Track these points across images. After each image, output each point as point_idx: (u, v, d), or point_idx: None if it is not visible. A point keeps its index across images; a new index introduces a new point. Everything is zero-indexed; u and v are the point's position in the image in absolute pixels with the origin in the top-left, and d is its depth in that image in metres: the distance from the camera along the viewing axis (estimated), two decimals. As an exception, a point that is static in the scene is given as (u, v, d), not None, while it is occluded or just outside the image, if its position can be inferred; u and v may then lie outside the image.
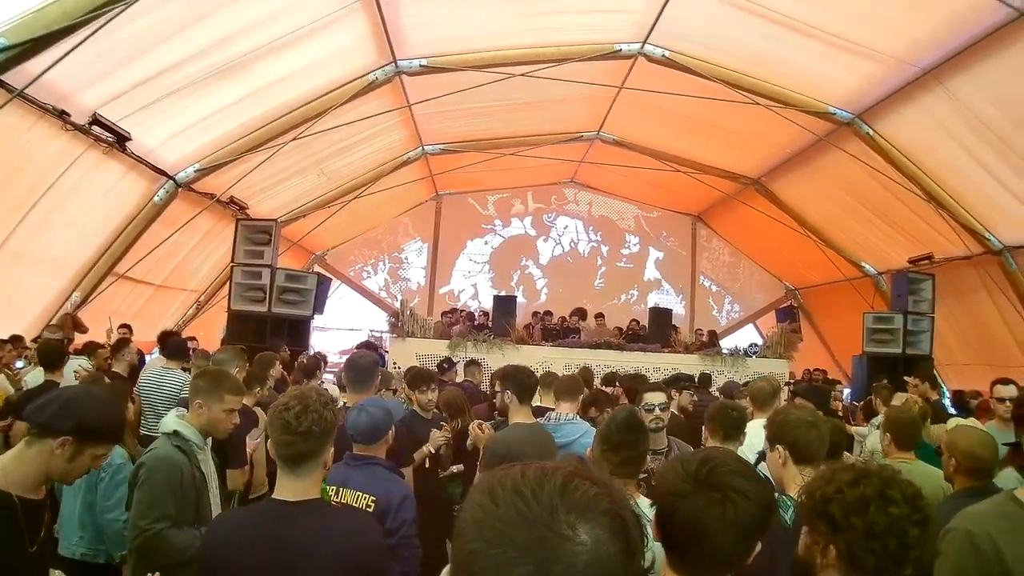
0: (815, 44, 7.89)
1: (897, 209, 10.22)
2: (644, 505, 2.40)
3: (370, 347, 8.76)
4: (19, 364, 6.89)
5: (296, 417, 2.13)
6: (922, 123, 8.62)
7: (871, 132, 9.23)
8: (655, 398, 3.99)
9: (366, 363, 4.26)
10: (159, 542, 2.70)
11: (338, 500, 2.90)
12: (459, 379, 8.29)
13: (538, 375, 4.49)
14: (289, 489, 2.15)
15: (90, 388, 3.11)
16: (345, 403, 4.25)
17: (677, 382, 6.82)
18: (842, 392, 9.67)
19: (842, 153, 9.72)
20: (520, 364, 4.26)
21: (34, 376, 6.01)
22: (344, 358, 9.20)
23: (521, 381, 3.94)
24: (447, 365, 8.33)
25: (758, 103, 9.16)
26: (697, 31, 8.62)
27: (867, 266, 12.44)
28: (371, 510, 2.88)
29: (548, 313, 14.26)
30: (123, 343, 7.04)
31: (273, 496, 2.19)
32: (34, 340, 6.93)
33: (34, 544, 2.07)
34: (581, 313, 13.94)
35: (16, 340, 6.95)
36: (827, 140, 9.89)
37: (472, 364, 8.39)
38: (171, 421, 3.05)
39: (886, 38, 7.56)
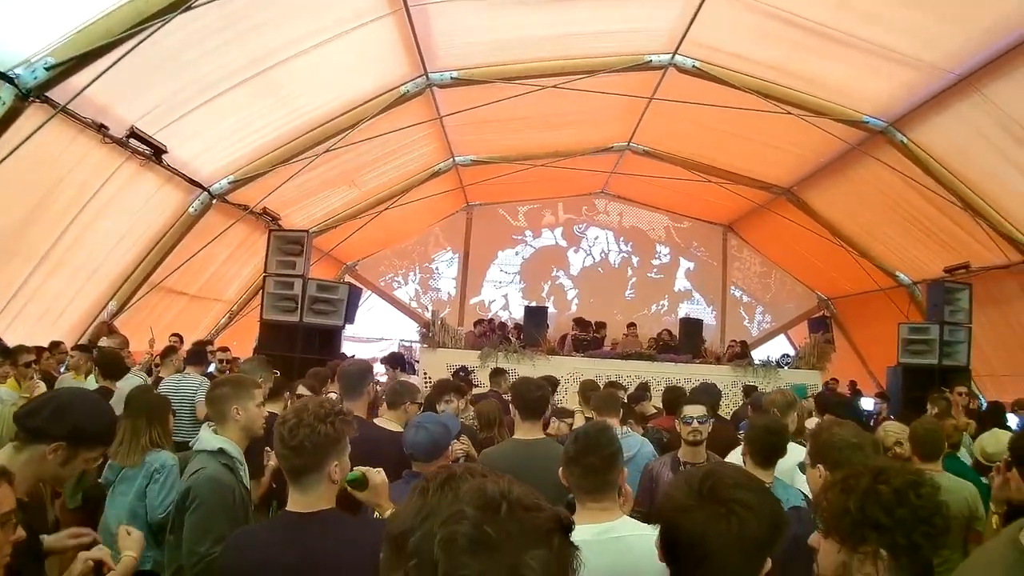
0: (847, 52, 7.82)
1: (932, 217, 10.08)
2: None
3: (396, 359, 8.80)
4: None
5: (290, 431, 2.12)
6: (958, 130, 8.49)
7: (905, 140, 9.11)
8: (693, 411, 3.98)
9: (355, 370, 4.22)
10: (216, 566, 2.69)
11: None
12: (480, 389, 8.27)
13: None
14: (298, 502, 2.16)
15: (82, 391, 3.09)
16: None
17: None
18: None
19: (876, 162, 9.61)
20: (529, 377, 4.19)
21: (65, 383, 6.17)
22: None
23: (523, 395, 3.82)
24: (463, 373, 8.33)
25: (790, 112, 9.10)
26: (728, 41, 8.60)
27: (902, 276, 12.25)
28: None
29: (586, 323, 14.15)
30: (171, 350, 7.26)
31: (286, 509, 2.19)
32: (75, 347, 7.10)
33: (34, 545, 2.06)
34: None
35: (55, 346, 7.15)
36: (860, 149, 9.78)
37: (497, 373, 8.33)
38: (212, 439, 2.98)
39: (921, 45, 7.47)
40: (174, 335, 8.83)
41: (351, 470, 2.40)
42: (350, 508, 2.45)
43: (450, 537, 0.90)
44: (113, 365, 6.02)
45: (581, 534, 2.24)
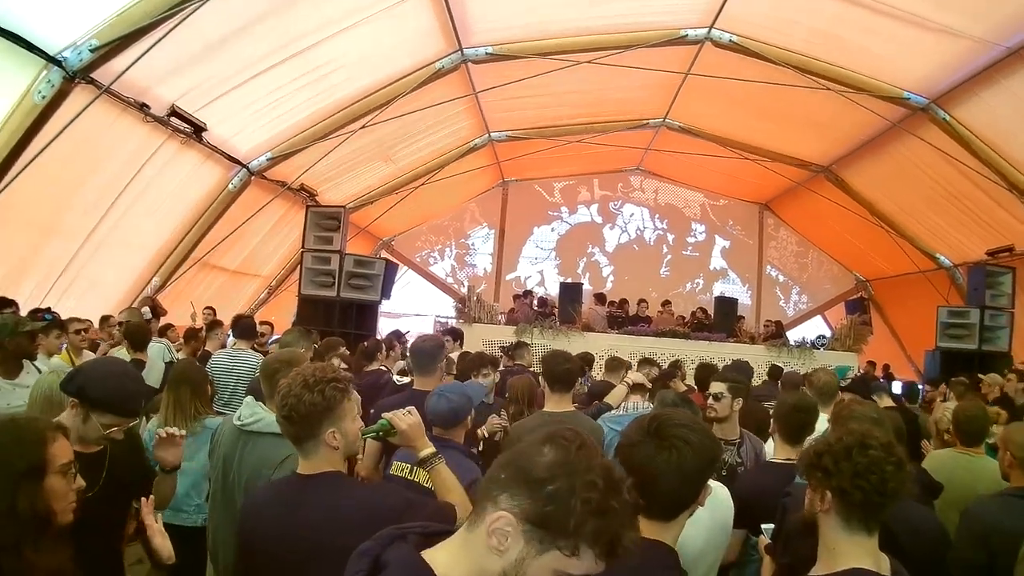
0: (888, 24, 7.64)
1: (975, 198, 9.85)
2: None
3: (455, 333, 8.84)
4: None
5: (281, 400, 2.17)
6: (1004, 108, 8.26)
7: (948, 118, 8.89)
8: (712, 387, 4.00)
9: (429, 347, 4.18)
10: None
11: (412, 478, 2.92)
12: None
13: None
14: (303, 465, 2.22)
15: (110, 360, 3.18)
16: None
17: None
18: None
19: (917, 140, 9.41)
20: (559, 350, 4.22)
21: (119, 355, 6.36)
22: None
23: (552, 368, 3.87)
24: (510, 350, 8.39)
25: (829, 88, 8.94)
26: (765, 14, 8.48)
27: (942, 258, 12.01)
28: None
29: (624, 301, 14.23)
30: (216, 324, 7.43)
31: (296, 471, 2.26)
32: (120, 323, 7.31)
33: (91, 491, 2.15)
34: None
35: (104, 320, 7.37)
36: (901, 126, 9.57)
37: (520, 346, 8.35)
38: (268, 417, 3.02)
39: (966, 17, 7.26)
40: (207, 308, 9.04)
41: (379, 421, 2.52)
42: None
43: (587, 499, 1.18)
44: (140, 336, 6.18)
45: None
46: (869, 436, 1.90)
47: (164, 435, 2.62)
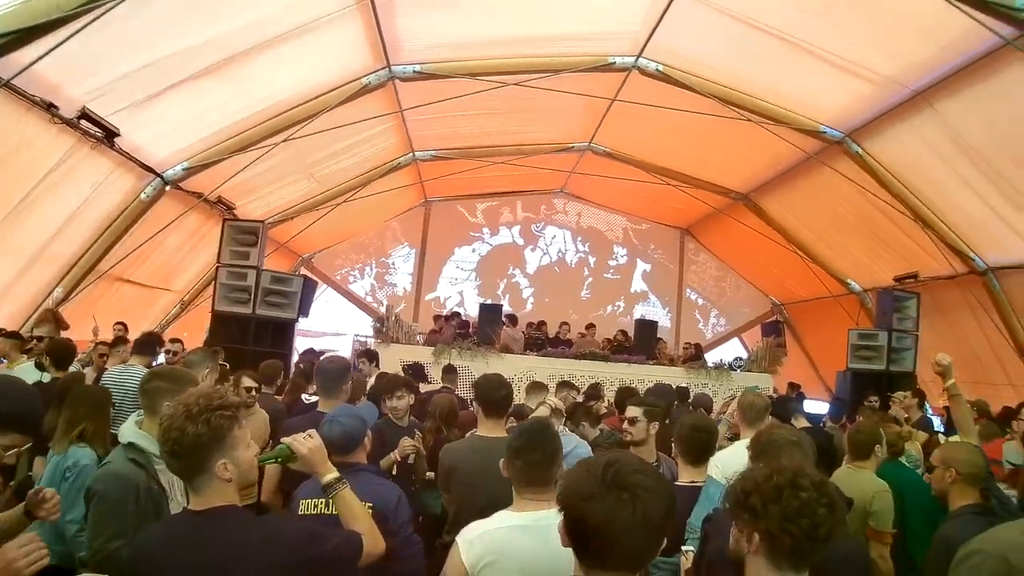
0: (808, 61, 7.92)
1: (884, 227, 10.30)
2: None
3: (369, 355, 8.60)
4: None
5: (163, 435, 2.03)
6: (911, 143, 8.68)
7: (860, 151, 9.30)
8: (628, 412, 4.01)
9: (335, 368, 4.13)
10: (115, 562, 2.56)
11: (329, 511, 2.73)
12: (434, 386, 8.22)
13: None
14: (194, 500, 2.08)
15: (10, 376, 2.96)
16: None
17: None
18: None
19: (831, 171, 9.79)
20: (494, 374, 4.18)
21: (23, 371, 5.89)
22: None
23: (486, 393, 3.84)
24: (411, 371, 8.27)
25: (750, 119, 9.21)
26: (692, 47, 8.66)
27: (853, 283, 12.52)
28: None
29: (542, 323, 14.25)
30: (120, 340, 7.02)
31: (187, 507, 2.13)
32: (2, 335, 6.76)
33: None
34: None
35: (14, 335, 6.80)
36: (817, 158, 9.95)
37: (449, 371, 8.31)
38: (128, 431, 2.91)
39: (879, 58, 7.61)
40: (118, 323, 8.54)
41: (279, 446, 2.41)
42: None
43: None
44: (66, 354, 5.80)
45: (520, 520, 2.34)
46: (800, 475, 1.81)
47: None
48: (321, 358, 4.55)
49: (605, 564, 1.58)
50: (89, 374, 6.45)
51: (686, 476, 3.46)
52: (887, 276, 11.27)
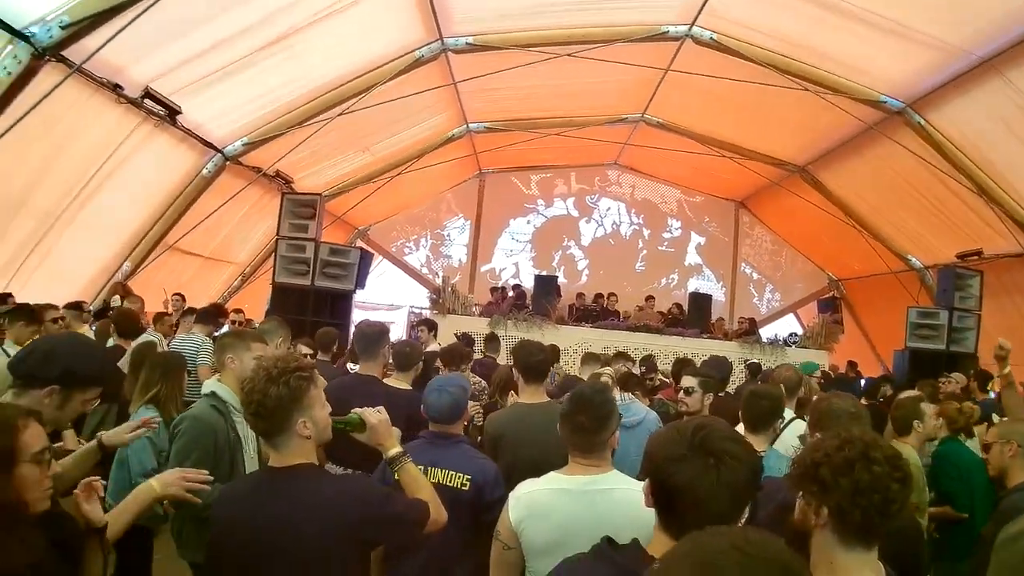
0: (867, 29, 7.70)
1: (947, 202, 9.98)
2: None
3: (429, 324, 8.72)
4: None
5: (246, 397, 2.13)
6: (976, 114, 8.38)
7: (923, 122, 9.00)
8: (684, 382, 4.04)
9: (373, 332, 4.22)
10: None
11: (430, 480, 2.78)
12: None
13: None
14: (275, 459, 2.18)
15: (72, 335, 3.14)
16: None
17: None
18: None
19: (892, 143, 9.51)
20: (531, 340, 4.23)
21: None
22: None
23: (525, 359, 3.86)
24: (464, 339, 8.39)
25: (807, 89, 8.99)
26: (746, 13, 8.48)
27: (913, 259, 12.17)
28: (466, 489, 2.89)
29: (580, 295, 14.35)
30: (189, 312, 7.29)
31: (269, 464, 2.23)
32: (66, 306, 7.00)
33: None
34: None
35: (77, 306, 7.15)
36: (877, 129, 9.66)
37: (492, 339, 8.39)
38: (209, 383, 3.16)
39: (943, 25, 7.34)
40: (176, 295, 8.88)
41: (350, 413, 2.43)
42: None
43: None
44: (129, 324, 6.09)
45: (568, 483, 2.37)
46: (873, 447, 1.74)
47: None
48: (359, 322, 4.68)
49: (685, 526, 1.51)
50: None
51: None
52: (949, 253, 10.93)
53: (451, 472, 2.92)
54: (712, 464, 1.56)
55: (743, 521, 1.62)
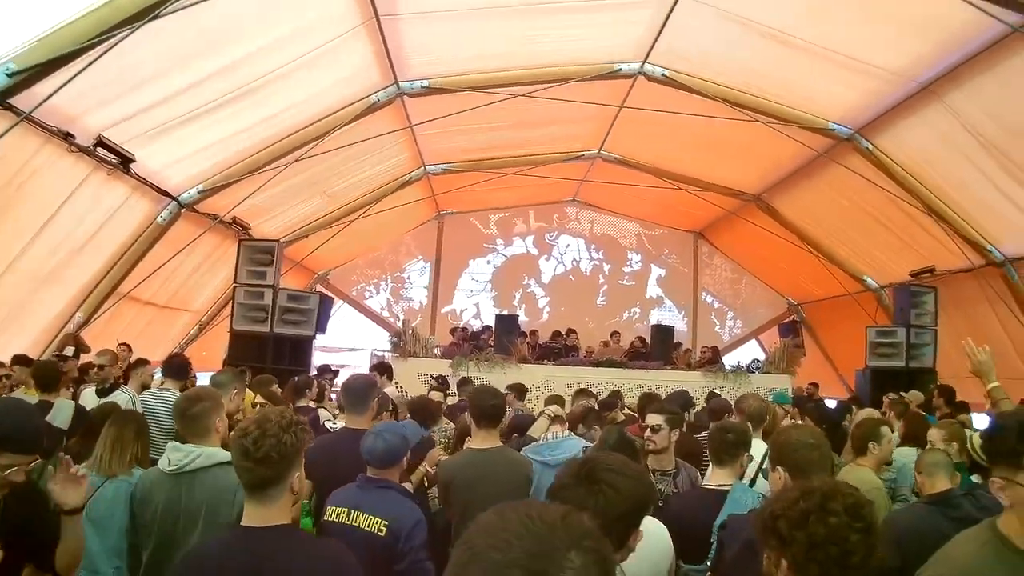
0: (814, 61, 7.95)
1: (898, 223, 10.25)
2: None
3: (383, 368, 8.69)
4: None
5: (254, 443, 2.06)
6: (921, 137, 8.67)
7: (871, 147, 9.28)
8: (648, 420, 4.00)
9: (360, 385, 4.15)
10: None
11: (350, 522, 2.88)
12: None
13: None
14: (256, 516, 2.09)
15: (8, 398, 3.01)
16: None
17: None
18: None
19: (842, 168, 9.77)
20: (486, 385, 4.23)
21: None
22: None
23: (479, 405, 3.90)
24: (440, 381, 8.30)
25: (758, 120, 9.23)
26: (697, 50, 8.69)
27: (869, 280, 12.44)
28: (382, 534, 2.85)
29: (534, 332, 14.39)
30: (140, 362, 7.02)
31: (241, 523, 2.13)
32: (14, 361, 6.70)
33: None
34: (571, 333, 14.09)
35: (24, 361, 6.80)
36: (827, 156, 9.94)
37: (464, 383, 8.37)
38: (215, 452, 2.99)
39: (885, 54, 7.61)
40: (122, 344, 8.58)
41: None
42: None
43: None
44: (50, 377, 5.74)
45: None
46: (831, 497, 1.70)
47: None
48: (348, 376, 4.58)
49: None
50: (88, 394, 6.42)
51: (714, 479, 3.41)
52: (903, 272, 11.21)
53: (370, 516, 2.92)
54: (593, 491, 1.84)
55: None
